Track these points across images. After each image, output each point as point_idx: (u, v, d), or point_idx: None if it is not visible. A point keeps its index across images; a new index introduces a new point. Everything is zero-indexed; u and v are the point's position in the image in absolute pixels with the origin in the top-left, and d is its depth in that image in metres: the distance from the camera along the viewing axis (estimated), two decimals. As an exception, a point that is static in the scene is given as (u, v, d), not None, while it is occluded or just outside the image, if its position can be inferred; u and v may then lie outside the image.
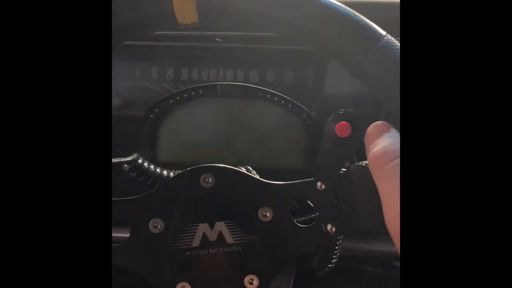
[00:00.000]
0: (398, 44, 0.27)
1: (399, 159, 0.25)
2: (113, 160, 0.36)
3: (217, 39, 0.50)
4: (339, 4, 0.28)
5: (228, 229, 0.30)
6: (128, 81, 0.55)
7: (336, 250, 0.42)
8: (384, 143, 0.26)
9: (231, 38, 0.51)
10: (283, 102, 0.45)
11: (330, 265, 0.45)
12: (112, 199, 0.29)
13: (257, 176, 0.38)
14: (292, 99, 0.46)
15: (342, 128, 0.29)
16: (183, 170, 0.31)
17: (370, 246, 0.53)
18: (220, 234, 0.30)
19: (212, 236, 0.30)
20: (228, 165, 0.35)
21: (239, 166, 0.38)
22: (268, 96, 0.45)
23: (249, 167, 0.39)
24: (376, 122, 0.28)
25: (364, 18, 0.28)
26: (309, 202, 0.31)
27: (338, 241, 0.41)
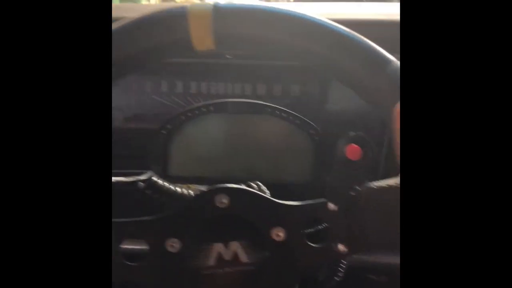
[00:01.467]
0: None
1: None
2: (129, 178, 0.37)
3: (227, 56, 0.51)
4: (351, 31, 0.29)
5: (242, 248, 0.31)
6: (138, 95, 0.56)
7: (343, 263, 0.43)
8: None
9: (240, 54, 0.52)
10: (291, 118, 0.46)
11: (336, 278, 0.46)
12: (130, 219, 0.31)
13: (268, 193, 0.39)
14: (299, 115, 0.47)
15: (352, 151, 0.30)
16: (199, 192, 0.32)
17: (375, 258, 0.55)
18: (235, 253, 0.31)
19: (227, 255, 0.31)
20: (238, 178, 0.36)
21: (248, 182, 0.39)
22: (277, 112, 0.46)
23: (259, 183, 0.40)
24: None
25: (374, 44, 0.29)
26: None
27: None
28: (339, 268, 0.43)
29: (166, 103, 0.56)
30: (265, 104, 0.46)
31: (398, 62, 0.28)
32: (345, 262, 0.43)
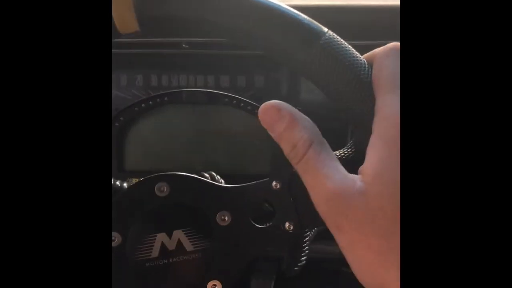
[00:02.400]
0: (340, 40, 0.27)
1: (309, 151, 0.26)
2: None
3: (184, 45, 0.50)
4: (278, 3, 0.28)
5: (186, 236, 0.30)
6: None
7: (304, 249, 0.42)
8: (292, 140, 0.27)
9: (198, 44, 0.51)
10: (249, 107, 0.45)
11: (299, 264, 0.45)
12: None
13: (223, 182, 0.38)
14: (258, 105, 0.46)
15: None
16: (137, 181, 0.31)
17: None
18: (179, 242, 0.30)
19: (171, 245, 0.30)
20: (197, 171, 0.35)
21: (201, 172, 0.38)
22: (234, 101, 0.45)
23: (213, 173, 0.39)
24: (265, 105, 0.28)
25: (305, 17, 0.28)
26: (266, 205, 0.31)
27: (305, 240, 0.41)
28: (300, 254, 0.42)
29: (126, 97, 0.55)
30: (221, 93, 0.45)
31: (332, 33, 0.27)
32: (305, 247, 0.42)
